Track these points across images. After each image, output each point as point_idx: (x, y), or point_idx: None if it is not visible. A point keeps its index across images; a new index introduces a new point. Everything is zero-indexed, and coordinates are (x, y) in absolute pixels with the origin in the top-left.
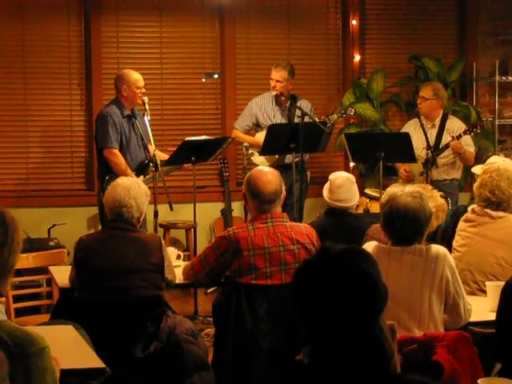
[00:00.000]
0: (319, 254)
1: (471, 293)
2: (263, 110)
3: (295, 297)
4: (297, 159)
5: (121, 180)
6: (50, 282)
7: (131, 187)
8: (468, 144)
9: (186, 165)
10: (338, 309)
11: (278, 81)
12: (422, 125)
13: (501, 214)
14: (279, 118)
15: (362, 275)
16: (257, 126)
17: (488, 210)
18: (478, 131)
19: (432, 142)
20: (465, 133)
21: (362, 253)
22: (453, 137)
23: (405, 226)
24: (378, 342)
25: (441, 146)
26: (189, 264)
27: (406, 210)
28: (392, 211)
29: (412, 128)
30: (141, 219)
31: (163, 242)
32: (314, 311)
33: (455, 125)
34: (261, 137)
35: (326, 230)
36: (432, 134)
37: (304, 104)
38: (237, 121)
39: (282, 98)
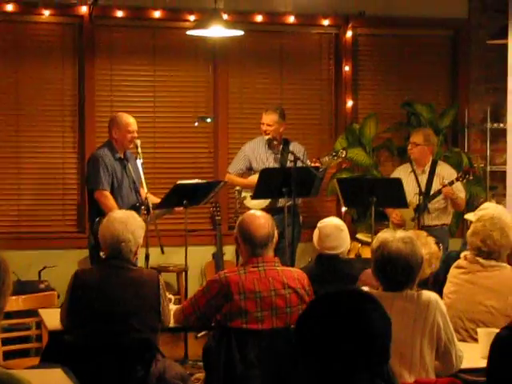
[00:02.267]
0: (325, 299)
1: (462, 340)
2: (256, 153)
3: (299, 340)
4: (289, 203)
5: (117, 214)
6: (40, 324)
7: (128, 221)
8: (459, 190)
9: (177, 208)
10: (344, 355)
11: (268, 124)
12: (413, 170)
13: (492, 262)
14: (272, 162)
15: (370, 323)
16: (249, 170)
17: (479, 259)
18: (471, 178)
19: (423, 188)
20: (457, 179)
21: (371, 299)
22: (444, 184)
23: (396, 271)
24: None
25: (432, 192)
26: (179, 307)
27: (398, 256)
28: (383, 257)
29: (402, 173)
30: (137, 252)
31: (161, 280)
32: (318, 356)
33: (445, 171)
34: (255, 178)
35: (319, 275)
36: (422, 179)
37: (297, 148)
38: (230, 165)
39: (275, 143)
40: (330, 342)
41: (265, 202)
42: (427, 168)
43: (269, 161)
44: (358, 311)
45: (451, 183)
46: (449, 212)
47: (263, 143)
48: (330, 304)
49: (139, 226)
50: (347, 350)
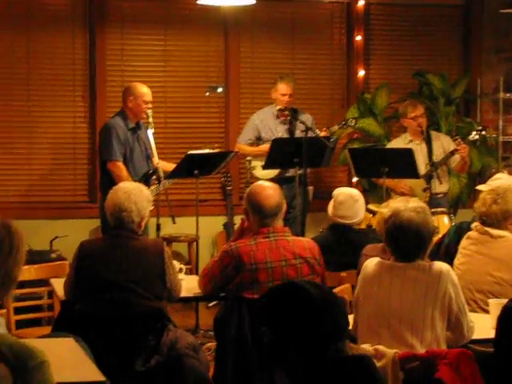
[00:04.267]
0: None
1: (472, 311)
2: (265, 123)
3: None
4: (299, 172)
5: (123, 184)
6: (52, 294)
7: (132, 191)
8: None
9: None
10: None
11: (290, 95)
12: (429, 140)
13: (501, 233)
14: (281, 132)
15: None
16: (259, 140)
17: (489, 229)
18: (486, 133)
19: (425, 157)
20: (476, 134)
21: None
22: (459, 142)
23: (408, 241)
24: None
25: (445, 155)
26: (200, 274)
27: (409, 225)
28: (395, 226)
29: (401, 144)
30: (142, 224)
31: (166, 248)
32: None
33: (441, 138)
34: (265, 146)
35: (330, 245)
36: (423, 148)
37: (306, 118)
38: (240, 136)
39: (285, 112)
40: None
41: (274, 172)
42: (422, 137)
43: (278, 130)
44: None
45: (457, 141)
46: (448, 179)
47: (272, 113)
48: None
49: (144, 199)
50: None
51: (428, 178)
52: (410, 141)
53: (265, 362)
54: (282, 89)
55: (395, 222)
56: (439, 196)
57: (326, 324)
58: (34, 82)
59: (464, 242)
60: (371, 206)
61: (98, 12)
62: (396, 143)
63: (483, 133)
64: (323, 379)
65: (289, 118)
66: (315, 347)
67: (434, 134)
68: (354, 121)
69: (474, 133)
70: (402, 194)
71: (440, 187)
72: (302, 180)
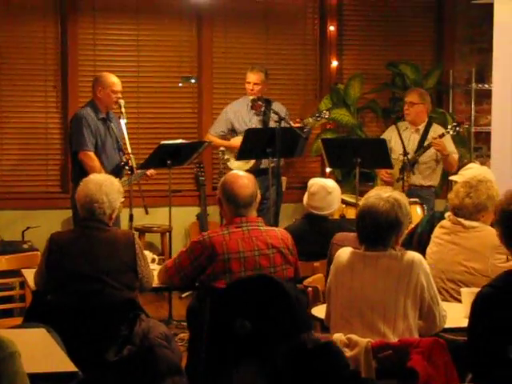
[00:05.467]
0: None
1: (443, 300)
2: (238, 114)
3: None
4: (272, 164)
5: (93, 176)
6: (23, 284)
7: (103, 183)
8: (451, 146)
9: (149, 172)
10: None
11: (255, 83)
12: (398, 131)
13: (474, 223)
14: (255, 123)
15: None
16: (233, 132)
17: (461, 220)
18: (461, 130)
19: (414, 147)
20: (448, 132)
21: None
22: (434, 137)
23: (366, 227)
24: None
25: (424, 146)
26: (163, 268)
27: (370, 212)
28: (359, 212)
29: (392, 134)
30: (113, 216)
31: (137, 239)
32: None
33: (440, 131)
34: (236, 140)
35: (304, 234)
36: (415, 138)
37: (279, 108)
38: (212, 126)
39: (259, 103)
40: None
41: (248, 164)
42: (422, 128)
43: (252, 121)
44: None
45: (442, 136)
46: (437, 174)
47: (245, 104)
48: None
49: (115, 190)
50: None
51: (401, 168)
52: (406, 128)
53: (239, 353)
54: (248, 77)
55: (360, 208)
56: (423, 189)
57: (301, 315)
58: (5, 72)
59: (437, 231)
60: (344, 197)
61: (70, 1)
62: (387, 133)
63: (458, 129)
64: (300, 365)
65: (263, 108)
66: (291, 336)
67: (434, 126)
68: (327, 113)
69: (450, 126)
70: (386, 182)
71: (422, 180)
72: (275, 171)
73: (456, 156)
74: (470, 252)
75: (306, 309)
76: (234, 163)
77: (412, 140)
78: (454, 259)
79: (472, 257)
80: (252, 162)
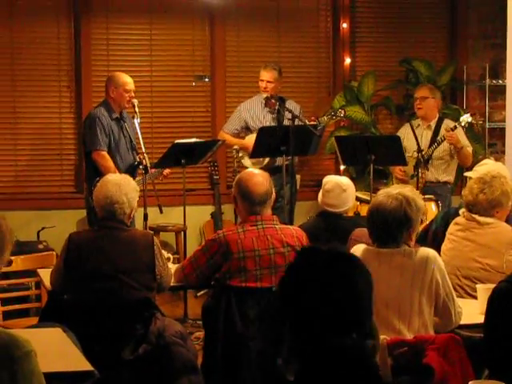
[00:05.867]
0: (305, 258)
1: (459, 296)
2: (252, 112)
3: (281, 301)
4: (287, 162)
5: (110, 177)
6: (39, 284)
7: (122, 183)
8: (464, 139)
9: (165, 172)
10: (324, 317)
11: (268, 81)
12: (412, 128)
13: (488, 220)
14: (269, 121)
15: (350, 284)
16: (247, 130)
17: (476, 216)
18: (473, 121)
19: (427, 144)
20: (461, 123)
21: (350, 259)
22: (448, 129)
23: (375, 225)
24: (362, 350)
25: (437, 140)
26: (179, 266)
27: (378, 210)
28: (369, 210)
29: (406, 132)
30: (131, 215)
31: (156, 240)
32: (300, 317)
33: (451, 125)
34: (249, 139)
35: (318, 232)
36: (427, 134)
37: (292, 105)
38: (225, 124)
39: (272, 101)
40: (311, 306)
41: (262, 162)
42: (433, 124)
43: (265, 119)
44: (343, 275)
45: (454, 128)
46: (452, 168)
47: (259, 102)
48: (314, 266)
49: (133, 189)
50: (328, 313)
51: (415, 165)
52: (419, 125)
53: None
54: (262, 75)
55: (370, 207)
56: (438, 185)
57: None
58: (19, 72)
59: (451, 228)
60: (358, 194)
61: (83, 1)
62: (402, 130)
63: (470, 120)
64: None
65: (276, 106)
66: (337, 335)
67: (445, 122)
68: (342, 111)
69: (462, 118)
70: (401, 180)
71: (438, 176)
72: (289, 169)
73: (470, 149)
74: (484, 248)
75: (370, 314)
76: (248, 161)
77: (425, 136)
78: (469, 256)
79: (487, 253)
80: (266, 159)
